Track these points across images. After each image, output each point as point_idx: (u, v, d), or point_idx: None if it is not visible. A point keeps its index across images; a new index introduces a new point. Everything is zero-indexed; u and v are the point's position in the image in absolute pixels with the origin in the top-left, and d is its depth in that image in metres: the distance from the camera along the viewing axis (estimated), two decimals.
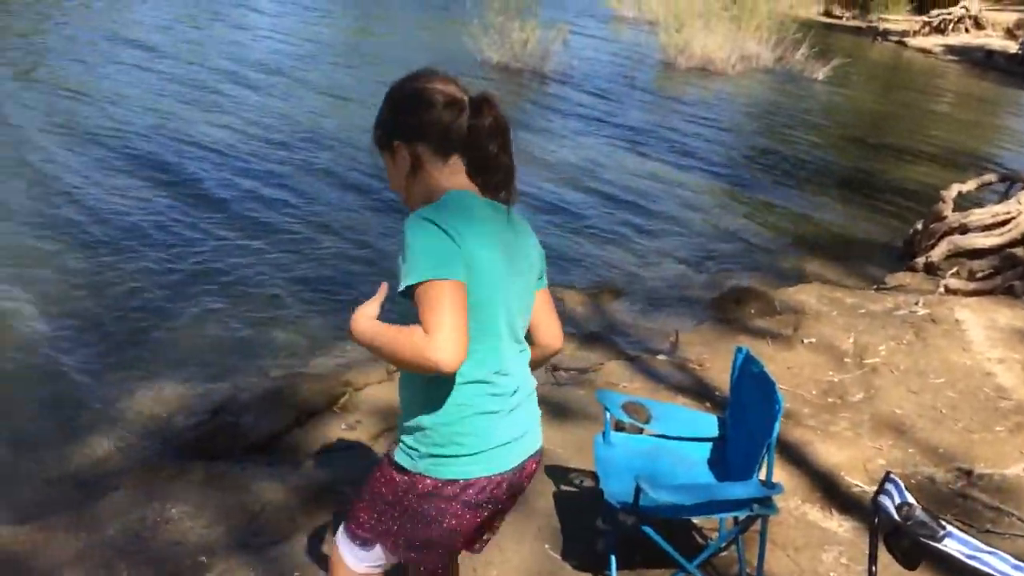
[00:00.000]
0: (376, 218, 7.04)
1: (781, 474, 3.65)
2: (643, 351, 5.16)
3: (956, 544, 2.15)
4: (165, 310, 5.20)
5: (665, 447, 3.29)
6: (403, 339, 1.76)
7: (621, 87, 13.69)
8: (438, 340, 1.71)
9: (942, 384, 4.71)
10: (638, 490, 2.71)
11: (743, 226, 8.01)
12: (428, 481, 1.91)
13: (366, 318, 1.87)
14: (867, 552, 2.38)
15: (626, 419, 3.30)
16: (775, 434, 2.78)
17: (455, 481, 1.91)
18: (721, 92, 14.46)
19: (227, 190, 7.27)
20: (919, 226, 7.39)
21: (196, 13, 15.27)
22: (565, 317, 5.19)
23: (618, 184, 8.67)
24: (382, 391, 4.40)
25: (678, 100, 13.40)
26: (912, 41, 23.69)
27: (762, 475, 2.88)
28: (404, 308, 1.83)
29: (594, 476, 3.60)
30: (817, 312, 5.65)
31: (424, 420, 1.90)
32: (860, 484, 3.76)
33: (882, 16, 27.05)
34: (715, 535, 3.27)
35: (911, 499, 2.37)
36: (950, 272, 6.52)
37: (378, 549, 2.03)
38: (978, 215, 7.08)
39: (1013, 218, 6.98)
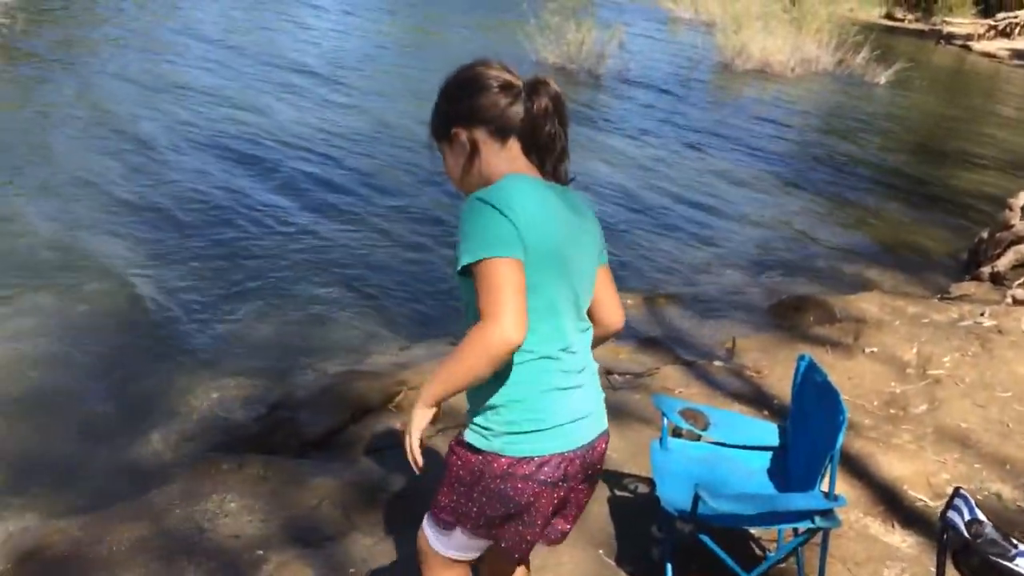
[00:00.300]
0: (436, 217, 7.07)
1: (842, 486, 3.56)
2: (699, 356, 5.10)
3: None
4: (226, 305, 5.28)
5: (723, 455, 3.24)
6: (461, 349, 1.78)
7: (677, 89, 13.58)
8: (496, 320, 1.73)
9: (1009, 398, 4.57)
10: (697, 498, 2.67)
11: (803, 232, 7.89)
12: (503, 460, 1.91)
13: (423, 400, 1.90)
14: (932, 569, 2.32)
15: (684, 425, 3.26)
16: (839, 445, 2.72)
17: (530, 458, 1.90)
18: (780, 95, 14.27)
19: (291, 186, 7.38)
20: (984, 235, 7.20)
21: (259, 12, 15.51)
22: None
23: (675, 187, 8.60)
24: None
25: (736, 103, 13.27)
26: (977, 45, 23.18)
27: (824, 486, 2.82)
28: (463, 289, 1.85)
29: (649, 482, 3.56)
30: (879, 321, 5.53)
31: (496, 399, 1.90)
32: (923, 498, 3.67)
33: (946, 19, 26.50)
34: (773, 546, 3.22)
35: (981, 516, 2.30)
36: (1017, 283, 6.34)
37: (460, 534, 2.01)
38: None
39: None
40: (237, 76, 10.79)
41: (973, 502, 2.35)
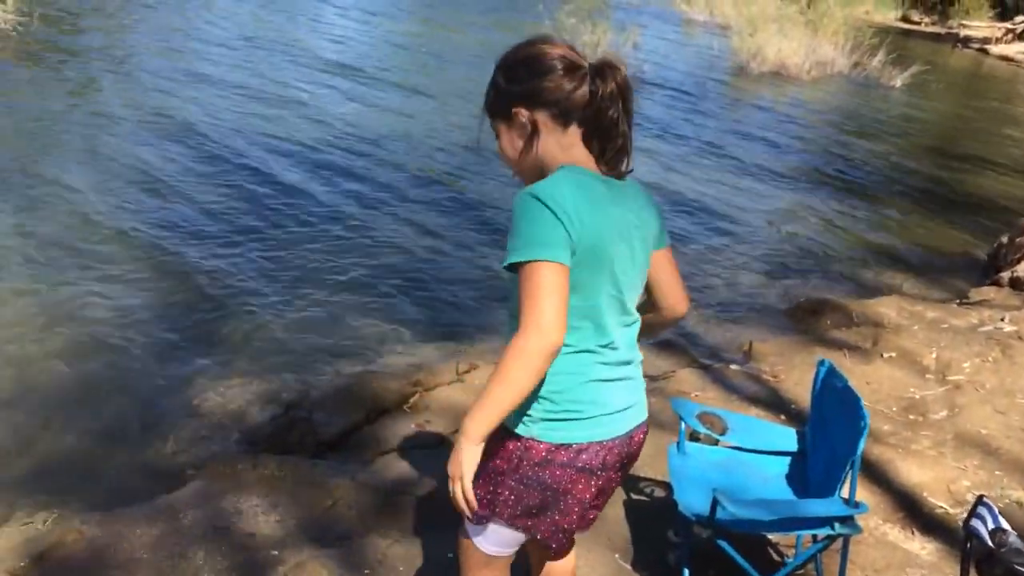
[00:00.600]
0: (454, 218, 7.05)
1: (861, 491, 3.53)
2: (716, 360, 5.08)
3: None
4: (241, 306, 5.28)
5: (741, 459, 3.21)
6: (502, 366, 1.74)
7: (692, 91, 13.54)
8: (536, 327, 1.71)
9: None
10: (715, 502, 2.65)
11: (819, 235, 7.84)
12: (542, 446, 1.89)
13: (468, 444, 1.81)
14: None
15: (701, 429, 3.23)
16: (859, 451, 2.70)
17: (568, 446, 1.89)
18: (796, 97, 14.21)
19: (306, 187, 7.35)
20: (1004, 239, 7.14)
21: (272, 12, 15.56)
22: None
23: (690, 190, 8.56)
24: (452, 392, 4.40)
25: (752, 105, 13.22)
26: (994, 48, 23.03)
27: (844, 493, 2.79)
28: (507, 282, 1.84)
29: (666, 486, 3.54)
30: (897, 326, 5.49)
31: (538, 390, 1.87)
32: (944, 505, 3.63)
33: (963, 22, 26.32)
34: (792, 552, 3.19)
35: (1005, 525, 2.27)
36: None
37: (495, 526, 1.99)
38: None
39: None
40: (264, 72, 10.85)
41: (997, 510, 2.33)
